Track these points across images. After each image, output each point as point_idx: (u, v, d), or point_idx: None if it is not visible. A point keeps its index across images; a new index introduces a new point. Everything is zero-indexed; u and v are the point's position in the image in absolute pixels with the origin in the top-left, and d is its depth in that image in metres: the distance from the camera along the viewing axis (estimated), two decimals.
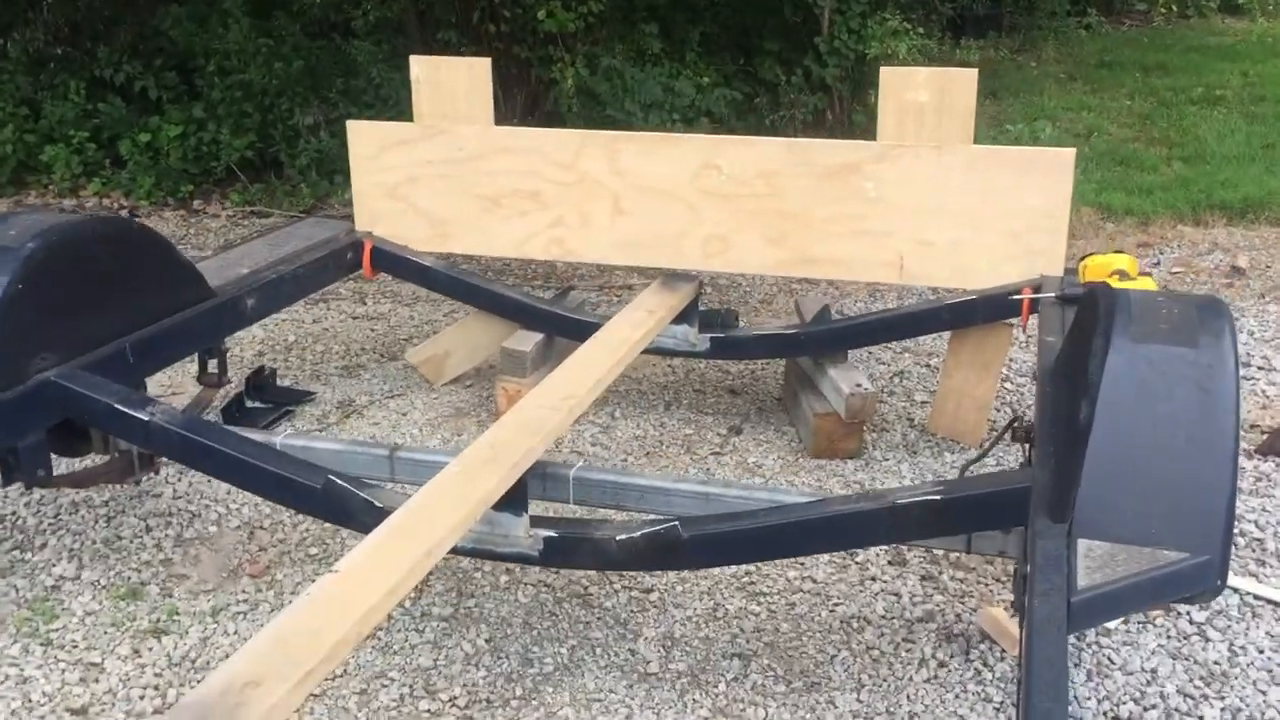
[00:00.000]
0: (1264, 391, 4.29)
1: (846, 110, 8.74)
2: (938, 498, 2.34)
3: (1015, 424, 2.79)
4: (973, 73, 3.51)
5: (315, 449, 2.81)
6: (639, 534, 2.40)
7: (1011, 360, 4.43)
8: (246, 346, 4.66)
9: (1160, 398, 2.11)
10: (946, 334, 3.91)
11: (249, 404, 3.98)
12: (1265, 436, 3.84)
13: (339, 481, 2.52)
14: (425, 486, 2.33)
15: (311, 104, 7.07)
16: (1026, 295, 3.46)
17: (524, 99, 7.98)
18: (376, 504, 2.45)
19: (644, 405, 4.16)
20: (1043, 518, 2.05)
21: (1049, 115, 8.93)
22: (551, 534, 2.47)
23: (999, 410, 4.08)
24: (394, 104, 7.07)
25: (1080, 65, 10.85)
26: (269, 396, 4.07)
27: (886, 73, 3.58)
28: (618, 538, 2.43)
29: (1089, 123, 8.74)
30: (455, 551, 2.35)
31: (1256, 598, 2.97)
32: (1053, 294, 3.33)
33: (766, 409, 4.14)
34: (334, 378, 4.38)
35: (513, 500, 2.44)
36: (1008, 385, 4.32)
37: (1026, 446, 2.76)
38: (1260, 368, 4.50)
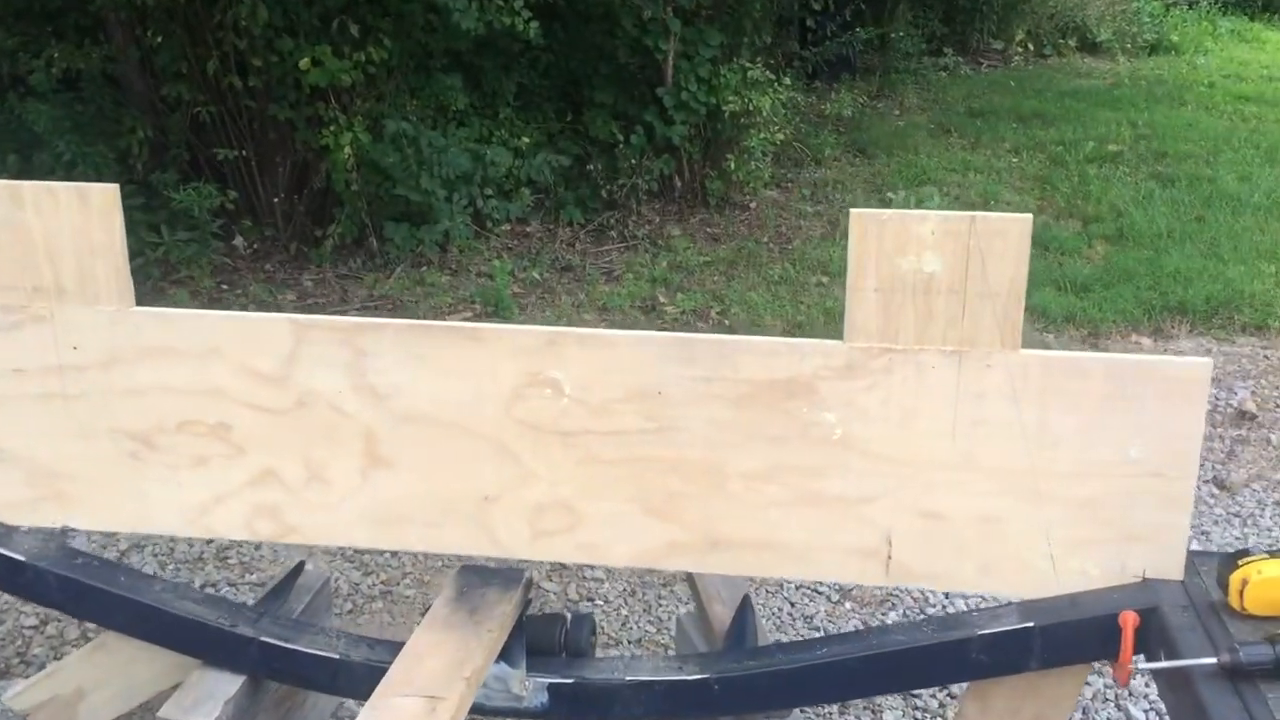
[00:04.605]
0: None
1: (698, 176, 7.17)
2: None
3: None
4: (1027, 219, 1.91)
5: None
6: None
7: None
8: None
9: None
10: None
11: None
12: None
13: None
14: None
15: None
16: (1127, 633, 1.86)
17: (287, 174, 6.09)
18: None
19: None
20: None
21: (933, 179, 7.56)
22: None
23: None
24: None
25: (949, 114, 9.57)
26: None
27: (859, 217, 1.93)
28: None
29: (980, 188, 7.39)
30: None
31: None
32: (1212, 661, 1.71)
33: None
34: None
35: None
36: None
37: None
38: None
